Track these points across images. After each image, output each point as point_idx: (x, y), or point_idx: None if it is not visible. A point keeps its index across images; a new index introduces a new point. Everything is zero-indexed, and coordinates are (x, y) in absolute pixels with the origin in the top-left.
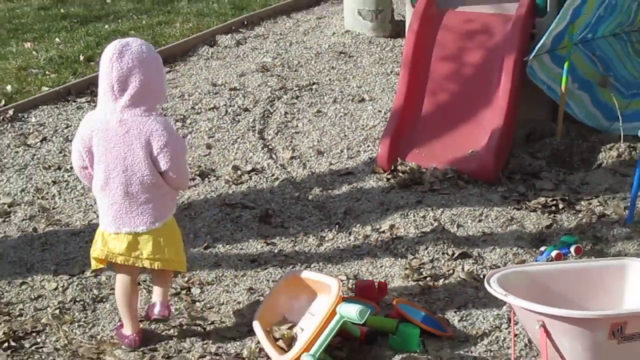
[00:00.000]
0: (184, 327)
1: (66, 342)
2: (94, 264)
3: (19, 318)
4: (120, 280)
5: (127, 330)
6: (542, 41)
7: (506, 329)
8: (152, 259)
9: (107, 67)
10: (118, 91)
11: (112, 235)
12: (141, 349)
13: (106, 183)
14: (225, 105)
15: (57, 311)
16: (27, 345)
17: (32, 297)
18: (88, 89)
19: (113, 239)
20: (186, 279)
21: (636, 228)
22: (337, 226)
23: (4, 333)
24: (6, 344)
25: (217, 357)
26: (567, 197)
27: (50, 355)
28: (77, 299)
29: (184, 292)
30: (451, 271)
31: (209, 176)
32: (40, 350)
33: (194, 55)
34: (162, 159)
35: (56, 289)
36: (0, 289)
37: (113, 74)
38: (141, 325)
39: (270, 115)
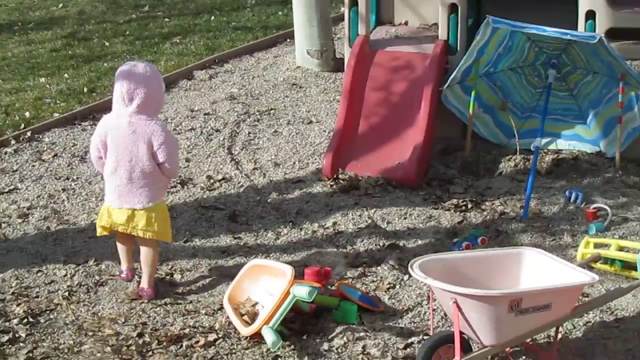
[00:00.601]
0: (168, 306)
1: (73, 318)
2: (99, 232)
3: (35, 299)
4: (120, 243)
5: (123, 269)
6: (453, 74)
7: (426, 305)
8: (145, 230)
9: (120, 82)
10: (127, 101)
11: (116, 209)
12: (134, 322)
13: (115, 169)
14: (200, 127)
15: (66, 293)
16: (42, 321)
17: (46, 282)
18: (90, 115)
19: (116, 213)
20: (169, 266)
21: (530, 223)
22: (290, 223)
23: (23, 311)
24: (25, 320)
25: (195, 330)
26: (474, 199)
27: (60, 328)
28: (82, 284)
29: (167, 277)
30: (382, 259)
31: (187, 184)
32: (52, 324)
33: (175, 87)
34: (160, 153)
35: (65, 275)
36: (21, 275)
37: (124, 87)
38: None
39: (236, 135)
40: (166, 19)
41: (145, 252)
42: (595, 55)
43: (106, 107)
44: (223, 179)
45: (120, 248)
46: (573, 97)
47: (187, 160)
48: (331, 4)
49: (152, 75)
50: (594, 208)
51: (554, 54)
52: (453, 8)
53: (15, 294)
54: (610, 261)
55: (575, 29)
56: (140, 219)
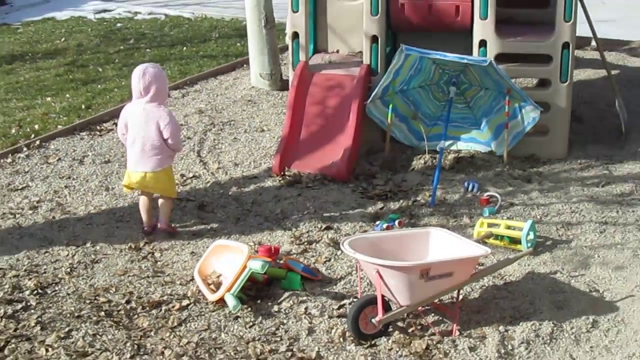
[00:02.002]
0: (150, 278)
1: (74, 289)
2: (125, 190)
3: (43, 274)
4: (141, 199)
5: (145, 224)
6: (375, 91)
7: (355, 274)
8: (154, 187)
9: (136, 80)
10: (143, 92)
11: (133, 172)
12: (122, 292)
13: (133, 143)
14: None
15: (68, 269)
16: (49, 292)
17: (52, 260)
18: (88, 127)
19: (134, 175)
20: (151, 246)
21: (436, 208)
22: (247, 211)
23: (34, 284)
24: (35, 291)
25: (171, 297)
26: (393, 190)
27: (63, 298)
28: (81, 262)
29: (149, 255)
30: (320, 238)
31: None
32: (57, 295)
33: None
34: (165, 132)
35: (67, 255)
36: (31, 255)
37: (140, 84)
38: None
39: (204, 141)
40: (147, 50)
41: (161, 202)
42: (486, 75)
43: (101, 120)
44: (193, 176)
45: (142, 206)
46: (469, 108)
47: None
48: (278, 37)
49: (160, 74)
50: (487, 195)
51: (454, 74)
52: (374, 39)
53: (27, 271)
54: (500, 237)
55: (471, 54)
56: (150, 180)
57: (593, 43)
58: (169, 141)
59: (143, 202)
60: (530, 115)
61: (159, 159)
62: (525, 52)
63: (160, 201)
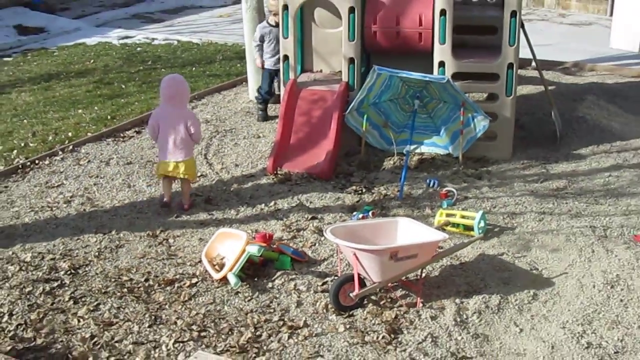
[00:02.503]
0: (165, 260)
1: (101, 269)
2: (159, 176)
3: (75, 257)
4: (165, 182)
5: (165, 199)
6: (352, 104)
7: (336, 256)
8: (184, 173)
9: (165, 86)
10: (170, 98)
11: (166, 162)
12: (142, 272)
13: (165, 139)
14: None
15: (97, 253)
16: (80, 272)
17: (83, 246)
18: (113, 134)
19: (165, 164)
20: (166, 234)
21: (403, 202)
22: (246, 204)
23: (68, 266)
24: (69, 271)
25: (183, 275)
26: (367, 186)
27: (92, 277)
28: (107, 246)
29: (164, 241)
30: (307, 226)
31: (176, 179)
32: (87, 274)
33: None
34: (191, 128)
35: (96, 241)
36: (65, 241)
37: (168, 89)
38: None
39: (210, 146)
40: (163, 70)
41: (183, 184)
42: (445, 90)
43: (124, 129)
44: (201, 175)
45: (165, 185)
46: (431, 118)
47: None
48: None
49: (183, 82)
50: (445, 190)
51: (418, 90)
52: (352, 60)
53: (62, 254)
54: (456, 225)
55: (432, 73)
56: (180, 167)
57: (533, 64)
58: (194, 135)
59: (166, 184)
60: (481, 124)
61: (186, 150)
62: (477, 71)
63: (182, 184)
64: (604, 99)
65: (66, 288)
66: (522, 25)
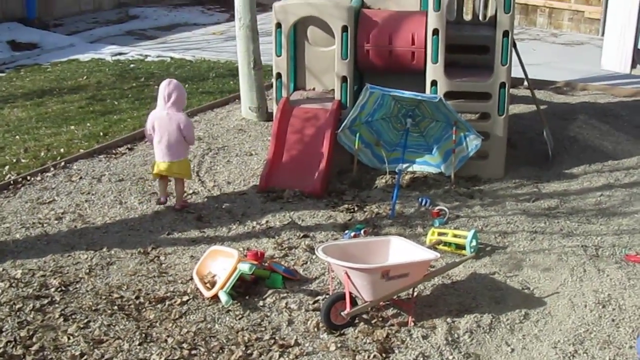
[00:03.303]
0: (156, 277)
1: (92, 287)
2: (154, 176)
3: (66, 274)
4: (160, 181)
5: (160, 197)
6: (344, 122)
7: (327, 275)
8: (177, 172)
9: (162, 90)
10: (167, 100)
11: (161, 162)
12: (133, 289)
13: (160, 140)
14: None
15: (87, 270)
16: (71, 289)
17: (74, 262)
18: (105, 151)
19: (161, 164)
20: (157, 251)
21: (395, 220)
22: (238, 222)
23: (58, 282)
24: (60, 288)
25: (174, 293)
26: (359, 204)
27: (82, 294)
28: (98, 264)
29: (155, 258)
30: (298, 244)
31: (170, 196)
32: (78, 291)
33: None
34: (184, 131)
35: (87, 258)
36: (56, 258)
37: (165, 92)
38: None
39: (202, 163)
40: (156, 87)
41: (177, 184)
42: (437, 109)
43: (116, 145)
44: (193, 192)
45: (160, 184)
46: (423, 137)
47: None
48: (265, 77)
49: (179, 87)
50: (437, 209)
51: (410, 108)
52: (344, 79)
53: (53, 271)
54: (448, 244)
55: (424, 92)
56: (174, 167)
57: (525, 83)
58: (187, 137)
59: (161, 181)
60: (473, 143)
61: (181, 151)
62: (469, 90)
63: (176, 184)
64: (596, 119)
65: (56, 305)
66: (514, 45)
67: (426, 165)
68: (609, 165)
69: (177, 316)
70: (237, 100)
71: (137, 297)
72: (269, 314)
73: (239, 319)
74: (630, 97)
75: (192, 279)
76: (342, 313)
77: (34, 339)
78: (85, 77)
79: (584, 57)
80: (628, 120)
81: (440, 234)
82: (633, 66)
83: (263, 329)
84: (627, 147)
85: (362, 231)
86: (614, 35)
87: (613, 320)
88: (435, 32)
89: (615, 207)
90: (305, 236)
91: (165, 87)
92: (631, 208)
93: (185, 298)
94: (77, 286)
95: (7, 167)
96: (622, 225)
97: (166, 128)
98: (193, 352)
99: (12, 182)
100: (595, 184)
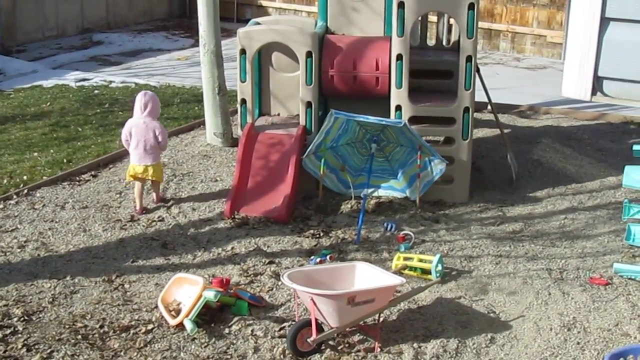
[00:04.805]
0: (120, 306)
1: (56, 316)
2: (127, 179)
3: (29, 303)
4: (137, 185)
5: (137, 208)
6: (310, 148)
7: (293, 301)
8: (152, 175)
9: (139, 100)
10: (143, 109)
11: (137, 165)
12: (97, 318)
13: (137, 145)
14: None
15: (51, 299)
16: (34, 319)
17: (37, 292)
18: (68, 178)
19: (137, 167)
20: (121, 279)
21: (361, 245)
22: (203, 249)
23: (21, 312)
24: (22, 318)
25: (138, 322)
26: (325, 230)
27: (46, 323)
28: (62, 292)
29: (120, 286)
30: (264, 271)
31: (135, 223)
32: (41, 321)
33: (127, 158)
34: (159, 137)
35: (50, 287)
36: (19, 287)
37: (142, 102)
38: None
39: (167, 189)
40: (120, 112)
41: (154, 186)
42: (402, 134)
43: (80, 172)
44: (158, 219)
45: (136, 192)
46: (388, 162)
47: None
48: (230, 102)
49: (155, 97)
50: (403, 234)
51: (375, 133)
52: (309, 104)
53: (15, 300)
54: (414, 269)
55: (389, 117)
56: (149, 170)
57: (489, 107)
58: (161, 143)
59: (138, 188)
60: (438, 167)
61: (156, 155)
62: (434, 115)
63: (152, 185)
64: (559, 142)
65: (19, 335)
66: (478, 70)
67: (391, 190)
68: (573, 189)
69: (141, 345)
70: (202, 126)
71: (102, 326)
72: (234, 341)
73: (205, 346)
74: (592, 120)
75: (157, 307)
76: (308, 340)
77: None
78: (48, 103)
79: (546, 81)
80: (590, 144)
81: (405, 258)
82: (593, 93)
83: (229, 356)
84: (590, 170)
85: (327, 257)
86: (574, 62)
87: (578, 343)
88: (399, 57)
89: (579, 230)
90: (270, 262)
91: (141, 98)
92: (595, 231)
93: (150, 326)
94: (41, 315)
95: None
96: (586, 248)
97: (143, 135)
98: None
99: None
100: (559, 207)
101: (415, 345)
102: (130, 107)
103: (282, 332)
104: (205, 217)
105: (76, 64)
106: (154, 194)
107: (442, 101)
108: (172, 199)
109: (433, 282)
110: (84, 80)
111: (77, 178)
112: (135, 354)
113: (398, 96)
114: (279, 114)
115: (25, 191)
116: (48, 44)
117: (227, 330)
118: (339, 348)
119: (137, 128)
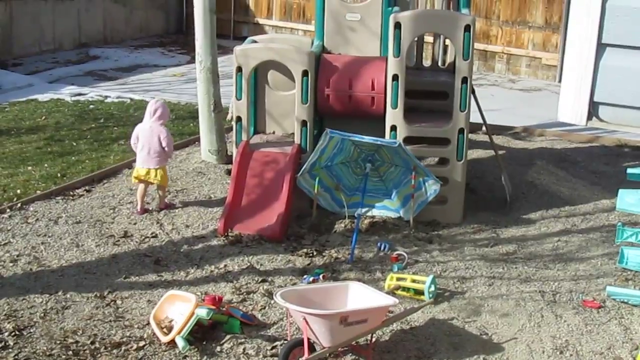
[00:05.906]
0: (112, 322)
1: (47, 331)
2: (133, 181)
3: (20, 318)
4: (140, 187)
5: (138, 208)
6: (304, 167)
7: (286, 320)
8: (154, 178)
9: (150, 106)
10: (152, 115)
11: (142, 168)
12: (88, 334)
13: (142, 148)
14: (136, 200)
15: (42, 314)
16: (25, 333)
17: (28, 306)
18: (62, 192)
19: (142, 170)
20: (113, 295)
21: (354, 265)
22: (196, 266)
23: (12, 327)
24: (13, 333)
25: (130, 338)
26: (318, 249)
27: (37, 339)
28: (53, 307)
29: (112, 302)
30: (257, 289)
31: (128, 239)
32: (32, 336)
33: (120, 174)
34: (164, 142)
35: (42, 302)
36: (10, 302)
37: (152, 108)
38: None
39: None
40: (115, 128)
41: (159, 190)
42: (396, 154)
43: (74, 187)
44: (152, 235)
45: (139, 193)
46: (383, 182)
47: (129, 223)
48: (224, 119)
49: (164, 105)
50: (396, 254)
51: (370, 153)
52: (304, 123)
53: (7, 315)
54: (407, 289)
55: (384, 137)
56: (153, 173)
57: (483, 128)
58: (166, 148)
59: (141, 189)
60: (432, 188)
61: (160, 159)
62: (428, 136)
63: (158, 189)
64: (553, 164)
65: (10, 350)
66: (473, 91)
67: (385, 209)
68: (566, 211)
69: None
70: (196, 142)
71: (93, 342)
72: (226, 359)
73: None
74: (586, 143)
75: (148, 323)
76: (300, 359)
77: None
78: (43, 117)
79: (541, 103)
80: (584, 166)
81: (399, 279)
82: (589, 118)
83: None
84: (584, 192)
85: (320, 276)
86: (570, 87)
87: None
88: (395, 77)
89: (572, 252)
90: (263, 281)
91: (152, 105)
92: (588, 253)
93: (141, 343)
94: (32, 330)
95: None
96: (579, 271)
97: (148, 139)
98: None
99: None
100: (553, 229)
101: None
102: (125, 123)
103: (274, 351)
104: (198, 234)
105: (72, 79)
106: (160, 200)
107: (437, 122)
108: (166, 214)
109: (426, 303)
110: (79, 94)
111: (71, 193)
112: None
113: (393, 116)
114: (274, 132)
115: (19, 205)
116: (44, 57)
117: (218, 348)
118: None
119: (144, 132)
